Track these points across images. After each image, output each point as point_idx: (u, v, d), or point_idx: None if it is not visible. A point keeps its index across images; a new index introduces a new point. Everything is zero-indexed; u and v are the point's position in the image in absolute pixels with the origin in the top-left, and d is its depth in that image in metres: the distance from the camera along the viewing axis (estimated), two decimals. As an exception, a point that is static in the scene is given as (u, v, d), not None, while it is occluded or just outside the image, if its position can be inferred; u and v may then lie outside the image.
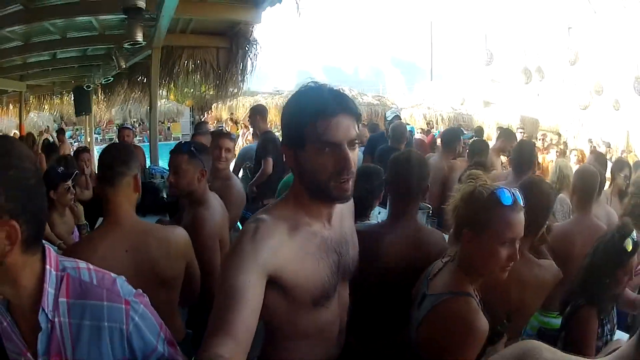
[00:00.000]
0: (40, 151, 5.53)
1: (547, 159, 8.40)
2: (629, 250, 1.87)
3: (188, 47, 7.06)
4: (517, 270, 1.65)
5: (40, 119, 14.75)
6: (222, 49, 7.05)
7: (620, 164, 4.03)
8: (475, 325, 1.29)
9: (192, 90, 8.40)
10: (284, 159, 1.24)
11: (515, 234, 1.35)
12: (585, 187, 2.77)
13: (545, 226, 1.96)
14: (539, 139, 10.12)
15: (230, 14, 5.61)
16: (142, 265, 1.56)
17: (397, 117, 6.89)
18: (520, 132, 11.15)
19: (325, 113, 1.10)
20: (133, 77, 8.94)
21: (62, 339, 0.99)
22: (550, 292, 1.85)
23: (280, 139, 1.29)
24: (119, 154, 1.72)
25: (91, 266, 1.07)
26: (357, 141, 1.15)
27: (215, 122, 18.35)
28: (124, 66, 6.65)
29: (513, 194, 1.36)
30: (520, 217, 1.36)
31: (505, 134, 5.11)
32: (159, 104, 18.55)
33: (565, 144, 10.59)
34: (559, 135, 11.88)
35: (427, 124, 13.91)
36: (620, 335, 2.13)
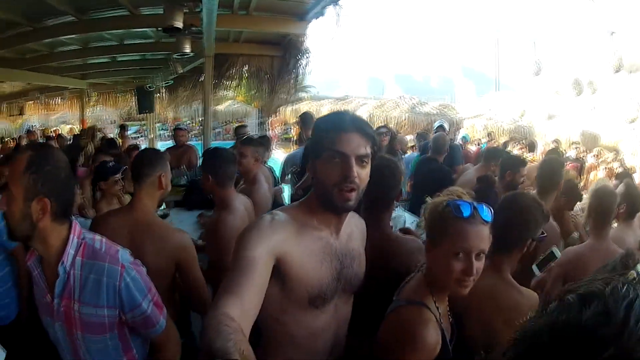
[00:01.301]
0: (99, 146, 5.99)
1: (598, 177, 7.92)
2: None
3: (242, 55, 7.50)
4: (493, 290, 1.66)
5: (106, 113, 15.78)
6: (275, 57, 7.40)
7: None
8: (419, 335, 1.30)
9: (257, 92, 8.86)
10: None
11: (469, 246, 1.32)
12: (601, 208, 2.59)
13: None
14: (594, 156, 9.55)
15: (276, 26, 5.88)
16: (132, 249, 1.75)
17: (442, 127, 6.88)
18: (575, 148, 10.60)
19: (341, 128, 1.29)
20: (194, 79, 9.47)
21: (73, 286, 1.39)
22: None
23: None
24: (146, 158, 2.19)
25: (104, 239, 1.48)
26: (366, 159, 1.29)
27: (283, 124, 19.07)
28: (181, 71, 7.10)
29: (475, 208, 1.35)
30: (479, 230, 1.34)
31: (554, 152, 4.94)
32: (225, 104, 19.21)
33: (621, 161, 9.76)
34: (617, 151, 11.02)
35: (488, 134, 13.52)
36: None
